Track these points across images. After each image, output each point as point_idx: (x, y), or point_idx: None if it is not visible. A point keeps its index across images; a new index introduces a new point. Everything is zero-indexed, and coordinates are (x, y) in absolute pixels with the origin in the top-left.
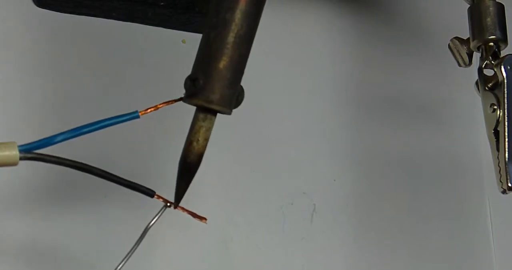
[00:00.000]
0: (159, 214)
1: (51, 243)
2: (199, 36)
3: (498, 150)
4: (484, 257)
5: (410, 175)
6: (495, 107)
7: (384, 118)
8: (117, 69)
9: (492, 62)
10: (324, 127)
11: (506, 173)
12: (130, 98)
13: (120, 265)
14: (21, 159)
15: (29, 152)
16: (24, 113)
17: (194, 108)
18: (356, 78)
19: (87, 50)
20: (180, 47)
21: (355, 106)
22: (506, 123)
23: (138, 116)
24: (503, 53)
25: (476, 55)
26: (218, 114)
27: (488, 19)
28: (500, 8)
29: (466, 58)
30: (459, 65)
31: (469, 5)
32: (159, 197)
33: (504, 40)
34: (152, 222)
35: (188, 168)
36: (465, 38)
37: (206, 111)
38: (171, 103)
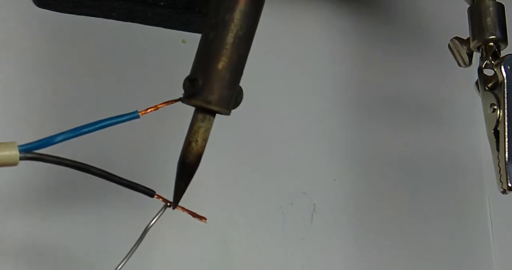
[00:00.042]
0: (159, 214)
1: (51, 243)
2: (199, 36)
3: (498, 150)
4: (484, 257)
5: (410, 175)
6: (495, 107)
7: (384, 118)
8: (117, 69)
9: (492, 62)
10: (324, 127)
11: (506, 173)
12: (130, 98)
13: (120, 265)
14: (21, 159)
15: (29, 152)
16: (24, 113)
17: (194, 108)
18: (356, 78)
19: (87, 50)
20: (180, 47)
21: (355, 106)
22: (506, 123)
23: (138, 116)
24: (503, 53)
25: (476, 55)
26: (218, 115)
27: (488, 19)
28: (500, 8)
29: (466, 58)
30: (459, 65)
31: (469, 5)
32: (159, 196)
33: (504, 40)
34: (152, 222)
35: (187, 168)
36: (465, 38)
37: (205, 112)
38: (171, 103)
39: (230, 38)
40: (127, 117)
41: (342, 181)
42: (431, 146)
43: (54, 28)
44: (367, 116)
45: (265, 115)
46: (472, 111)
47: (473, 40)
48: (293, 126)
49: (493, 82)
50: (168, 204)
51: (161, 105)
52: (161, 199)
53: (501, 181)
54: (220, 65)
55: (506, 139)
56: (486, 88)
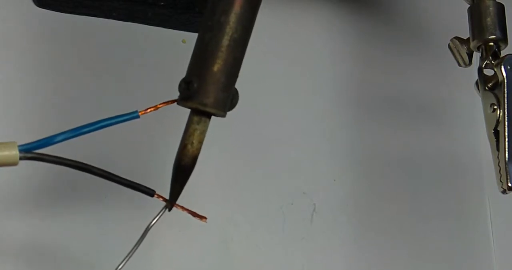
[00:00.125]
0: (160, 214)
1: (51, 243)
2: None
3: (498, 149)
4: (484, 257)
5: (410, 175)
6: (495, 107)
7: (384, 118)
8: (117, 69)
9: (492, 62)
10: (324, 127)
11: (506, 173)
12: (130, 98)
13: (121, 265)
14: (21, 158)
15: (29, 151)
16: (24, 113)
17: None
18: (356, 78)
19: (87, 50)
20: (180, 47)
21: (355, 106)
22: (506, 123)
23: (138, 116)
24: (503, 53)
25: (476, 55)
26: (214, 116)
27: (488, 19)
28: (500, 8)
29: (466, 58)
30: (459, 65)
31: (469, 5)
32: (159, 196)
33: (504, 40)
34: (153, 222)
35: (182, 170)
36: (465, 38)
37: (200, 114)
38: (171, 103)
39: (225, 41)
40: (127, 117)
41: (342, 181)
42: (431, 146)
43: (54, 28)
44: (367, 116)
45: (265, 115)
46: (472, 111)
47: (473, 40)
48: (293, 126)
49: (493, 82)
50: (166, 204)
51: (160, 105)
52: (161, 199)
53: (501, 181)
54: (216, 68)
55: (506, 139)
56: (486, 88)
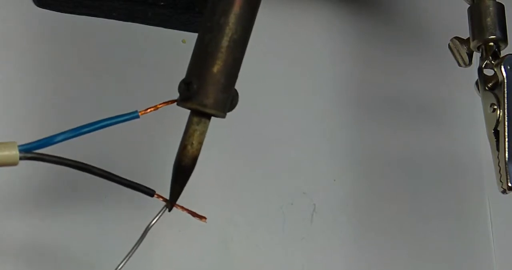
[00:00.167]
0: (160, 214)
1: (51, 243)
2: None
3: (498, 149)
4: (484, 257)
5: (410, 175)
6: (495, 107)
7: (384, 118)
8: (117, 69)
9: (492, 62)
10: (324, 127)
11: (506, 173)
12: (130, 98)
13: (121, 265)
14: (21, 158)
15: (29, 151)
16: (24, 113)
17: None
18: (356, 78)
19: (87, 50)
20: (180, 47)
21: (355, 106)
22: (506, 123)
23: (138, 116)
24: (503, 53)
25: (476, 55)
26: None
27: (488, 19)
28: (500, 8)
29: (466, 58)
30: (459, 65)
31: (469, 5)
32: (159, 196)
33: (504, 40)
34: (153, 222)
35: (182, 171)
36: (465, 38)
37: (200, 115)
38: (171, 103)
39: (225, 42)
40: (127, 117)
41: (342, 181)
42: (431, 146)
43: (54, 28)
44: (367, 116)
45: (265, 115)
46: (472, 111)
47: (473, 40)
48: (293, 126)
49: (493, 82)
50: (166, 204)
51: (160, 105)
52: (161, 199)
53: (501, 181)
54: (215, 69)
55: (506, 139)
56: (486, 88)
